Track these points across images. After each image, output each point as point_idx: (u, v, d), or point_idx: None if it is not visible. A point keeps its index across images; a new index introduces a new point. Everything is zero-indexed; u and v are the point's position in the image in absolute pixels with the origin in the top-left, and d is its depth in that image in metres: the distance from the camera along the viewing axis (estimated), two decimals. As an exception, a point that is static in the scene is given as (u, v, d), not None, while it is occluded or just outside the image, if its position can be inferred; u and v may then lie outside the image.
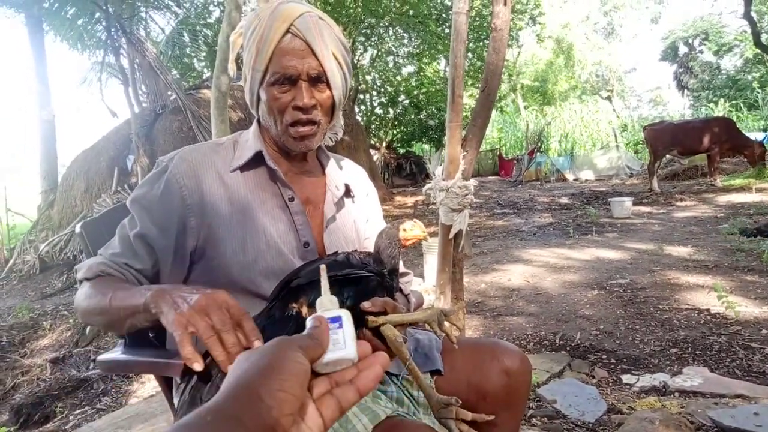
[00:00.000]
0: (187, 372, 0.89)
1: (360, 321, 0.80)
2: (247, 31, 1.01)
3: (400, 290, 1.15)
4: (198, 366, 0.71)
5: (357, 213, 1.19)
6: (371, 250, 0.98)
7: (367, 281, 0.89)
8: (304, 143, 1.03)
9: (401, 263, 1.10)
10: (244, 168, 1.04)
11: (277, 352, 0.43)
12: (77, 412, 3.13)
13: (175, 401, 1.07)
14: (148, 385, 3.28)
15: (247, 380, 0.40)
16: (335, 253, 0.99)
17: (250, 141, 1.07)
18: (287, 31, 0.96)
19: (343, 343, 0.49)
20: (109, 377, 3.46)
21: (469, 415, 0.92)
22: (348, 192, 1.15)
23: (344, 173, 1.19)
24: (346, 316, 0.52)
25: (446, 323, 0.88)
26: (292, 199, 1.05)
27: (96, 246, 1.15)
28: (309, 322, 0.52)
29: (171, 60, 11.35)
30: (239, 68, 1.09)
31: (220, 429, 0.37)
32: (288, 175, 1.07)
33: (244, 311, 0.78)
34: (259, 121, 1.10)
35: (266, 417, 0.38)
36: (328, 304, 0.59)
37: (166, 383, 1.10)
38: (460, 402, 0.91)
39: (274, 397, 0.39)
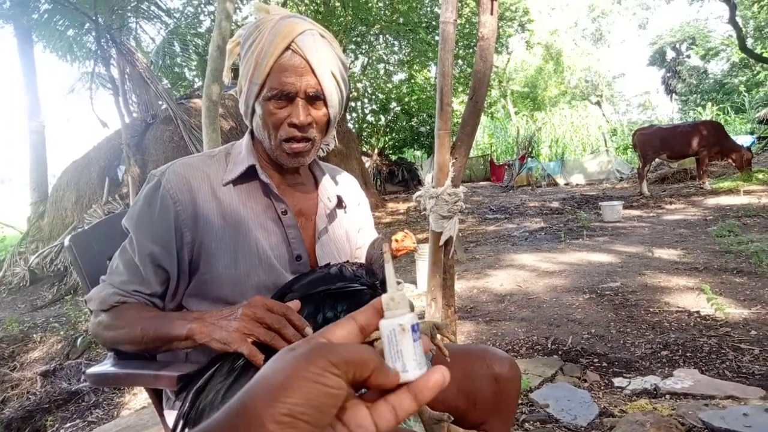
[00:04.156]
0: (183, 389, 0.89)
1: None
2: (245, 42, 1.00)
3: None
4: None
5: (349, 223, 1.19)
6: (363, 259, 0.98)
7: (361, 295, 0.89)
8: (297, 159, 1.03)
9: None
10: (236, 182, 1.04)
11: (293, 369, 0.34)
12: (68, 425, 3.09)
13: (166, 414, 1.06)
14: (139, 397, 3.26)
15: (249, 399, 0.34)
16: (328, 265, 0.99)
17: (242, 154, 1.06)
18: (288, 48, 0.95)
19: (417, 360, 0.38)
20: (101, 390, 3.42)
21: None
22: (340, 203, 1.16)
23: (336, 184, 1.19)
24: (416, 321, 0.39)
25: (438, 336, 0.89)
26: (285, 213, 1.04)
27: (85, 259, 1.15)
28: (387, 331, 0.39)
29: (161, 69, 11.33)
30: (234, 77, 1.08)
31: None
32: (280, 188, 1.07)
33: (284, 305, 0.85)
34: (252, 133, 1.09)
35: None
36: (399, 300, 0.41)
37: (156, 395, 1.10)
38: (452, 418, 0.91)
39: (280, 423, 0.32)
